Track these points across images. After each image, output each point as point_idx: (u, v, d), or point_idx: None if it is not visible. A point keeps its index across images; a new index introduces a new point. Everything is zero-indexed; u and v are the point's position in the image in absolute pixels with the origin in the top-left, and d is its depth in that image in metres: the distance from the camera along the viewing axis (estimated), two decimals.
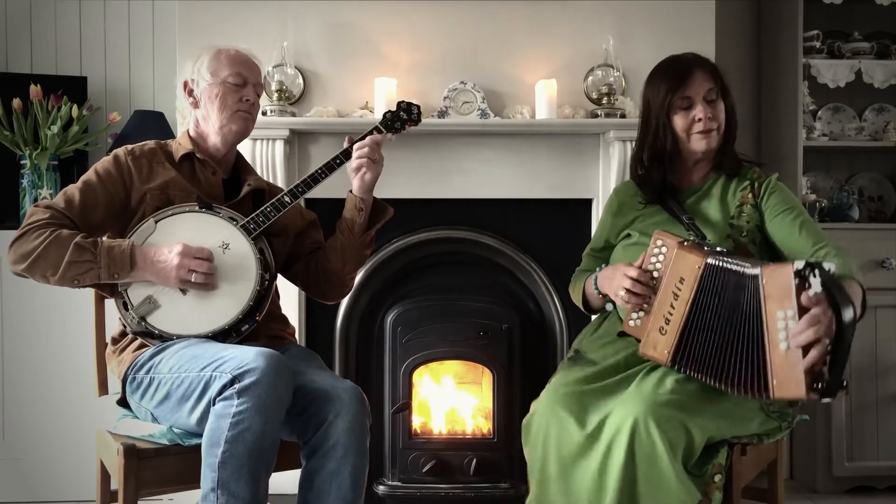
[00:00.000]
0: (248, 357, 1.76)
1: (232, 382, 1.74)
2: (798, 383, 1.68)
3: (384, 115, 2.23)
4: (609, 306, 2.16)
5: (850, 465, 3.11)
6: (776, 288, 1.71)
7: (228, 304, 1.95)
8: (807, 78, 3.32)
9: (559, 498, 1.88)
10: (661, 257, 1.93)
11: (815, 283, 1.68)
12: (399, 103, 2.24)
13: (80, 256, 1.86)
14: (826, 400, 1.70)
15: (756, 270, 1.75)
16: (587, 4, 3.02)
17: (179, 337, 1.93)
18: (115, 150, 2.08)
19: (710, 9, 3.03)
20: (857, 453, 3.12)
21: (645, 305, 1.94)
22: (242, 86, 2.08)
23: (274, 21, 2.94)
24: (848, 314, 1.68)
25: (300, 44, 2.95)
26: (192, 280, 1.91)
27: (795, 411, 2.03)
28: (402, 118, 2.23)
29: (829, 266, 1.70)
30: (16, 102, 2.97)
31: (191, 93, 2.12)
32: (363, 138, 2.11)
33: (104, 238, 1.94)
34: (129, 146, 2.09)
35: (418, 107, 2.26)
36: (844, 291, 1.69)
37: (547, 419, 1.92)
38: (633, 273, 1.94)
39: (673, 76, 2.06)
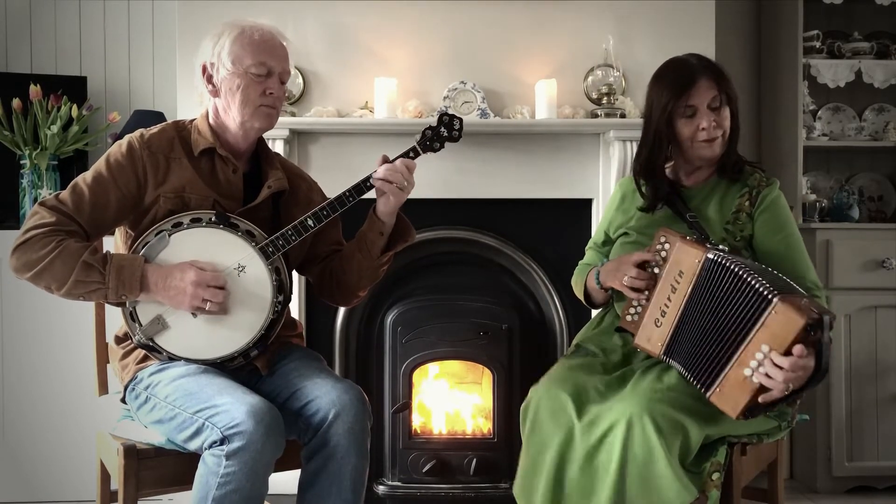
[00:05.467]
0: (238, 413, 1.71)
1: (222, 441, 1.71)
2: (735, 406, 1.75)
3: (423, 132, 2.03)
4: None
5: (850, 465, 3.11)
6: (780, 326, 1.70)
7: (240, 330, 1.88)
8: (807, 78, 3.33)
9: (548, 483, 1.87)
10: (663, 253, 1.93)
11: (814, 340, 1.69)
12: (441, 116, 2.04)
13: (88, 276, 1.78)
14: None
15: (772, 297, 1.71)
16: (587, 4, 3.02)
17: (187, 360, 1.88)
18: (129, 137, 1.93)
19: (710, 9, 3.03)
20: (857, 453, 3.12)
21: (643, 301, 1.95)
22: (267, 76, 1.93)
23: (274, 21, 2.90)
24: (821, 376, 1.72)
25: (300, 44, 2.94)
26: (206, 309, 1.84)
27: (795, 411, 2.03)
28: (442, 135, 2.03)
29: (829, 326, 1.70)
30: (16, 102, 2.96)
31: (210, 79, 1.95)
32: (397, 160, 1.96)
33: (114, 254, 1.84)
34: (146, 134, 1.94)
35: (461, 120, 2.04)
36: (829, 356, 1.72)
37: (543, 400, 1.93)
38: (639, 259, 1.95)
39: (677, 83, 2.01)
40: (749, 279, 1.75)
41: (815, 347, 1.70)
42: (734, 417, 1.76)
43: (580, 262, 2.31)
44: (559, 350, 3.04)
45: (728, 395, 1.76)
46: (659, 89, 2.05)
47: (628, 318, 1.98)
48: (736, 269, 1.78)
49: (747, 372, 1.73)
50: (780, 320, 1.69)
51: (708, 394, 1.79)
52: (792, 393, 1.72)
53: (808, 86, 3.33)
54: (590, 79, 3.01)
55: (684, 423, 1.79)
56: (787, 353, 1.68)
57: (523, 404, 1.99)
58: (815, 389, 3.04)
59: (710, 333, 1.81)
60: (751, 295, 1.75)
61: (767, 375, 1.70)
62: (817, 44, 3.34)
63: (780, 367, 1.68)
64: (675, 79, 2.03)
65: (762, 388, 1.72)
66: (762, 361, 1.71)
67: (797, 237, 2.04)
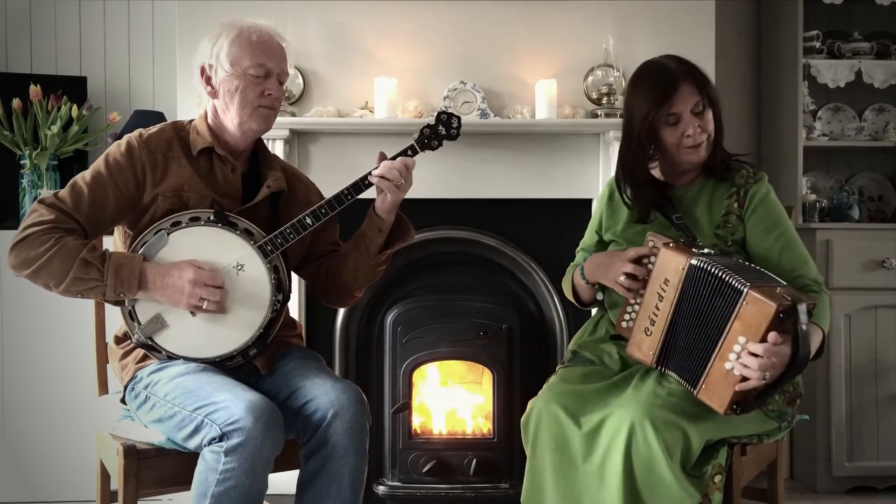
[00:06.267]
0: (238, 410, 1.71)
1: (221, 438, 1.71)
2: (722, 399, 1.76)
3: (422, 130, 2.02)
4: (600, 295, 2.13)
5: (850, 465, 3.11)
6: (752, 316, 1.71)
7: (239, 329, 1.88)
8: (807, 78, 3.32)
9: (553, 496, 1.88)
10: (652, 258, 1.92)
11: (789, 328, 1.71)
12: (439, 115, 2.03)
13: (86, 273, 1.78)
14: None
15: (743, 288, 1.72)
16: (587, 4, 3.02)
17: (186, 359, 1.88)
18: (128, 137, 1.93)
19: (710, 9, 3.03)
20: (857, 453, 3.12)
21: (637, 306, 1.94)
22: (265, 77, 1.94)
23: (274, 21, 2.87)
24: (800, 363, 1.72)
25: (300, 44, 2.95)
26: (203, 308, 1.84)
27: (794, 411, 2.03)
28: (440, 134, 2.02)
29: (806, 312, 1.71)
30: (16, 102, 2.96)
31: (208, 80, 1.95)
32: (395, 158, 1.96)
33: (112, 252, 1.85)
34: (144, 133, 1.94)
35: (458, 118, 2.03)
36: (808, 343, 1.73)
37: (543, 417, 1.92)
38: (632, 255, 1.92)
39: (658, 91, 1.94)
40: (725, 277, 1.76)
41: (791, 334, 1.71)
42: (722, 412, 1.76)
43: (571, 264, 2.28)
44: (559, 350, 3.04)
45: (713, 390, 1.77)
46: (638, 97, 1.98)
47: (623, 324, 1.97)
48: (721, 275, 1.77)
49: (728, 365, 1.74)
50: (752, 310, 1.71)
51: (695, 391, 1.80)
52: (775, 383, 1.73)
53: (808, 86, 3.33)
54: (590, 79, 3.01)
55: (685, 427, 1.79)
56: (763, 341, 1.70)
57: (524, 417, 1.98)
58: (814, 390, 3.07)
59: (695, 336, 1.82)
60: (726, 291, 1.76)
61: (745, 366, 1.71)
62: (817, 44, 3.34)
63: (755, 355, 1.69)
64: (656, 86, 1.95)
65: (744, 380, 1.72)
66: (740, 353, 1.72)
67: (791, 234, 2.00)
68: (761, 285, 1.74)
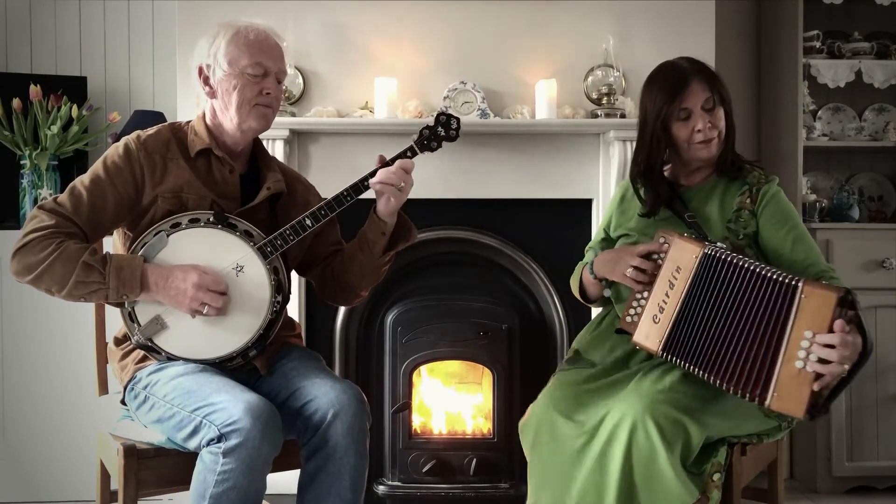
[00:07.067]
0: (236, 411, 1.71)
1: (219, 439, 1.71)
2: (800, 402, 1.68)
3: (421, 131, 2.03)
4: (607, 292, 2.14)
5: (850, 465, 3.11)
6: (815, 307, 1.68)
7: (238, 330, 1.89)
8: (807, 78, 3.33)
9: (557, 499, 1.88)
10: (661, 254, 1.94)
11: (848, 315, 1.68)
12: (438, 116, 2.04)
13: (88, 277, 1.79)
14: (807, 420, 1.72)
15: (798, 283, 1.70)
16: (587, 4, 3.02)
17: (186, 360, 1.89)
18: (125, 139, 1.94)
19: (710, 9, 3.03)
20: (857, 453, 3.12)
21: (643, 301, 1.94)
22: (263, 76, 1.94)
23: (274, 21, 2.88)
24: (869, 350, 1.70)
25: (300, 44, 2.95)
26: (204, 312, 1.84)
27: None
28: (440, 135, 2.03)
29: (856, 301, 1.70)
30: (16, 102, 2.96)
31: (206, 80, 1.96)
32: (395, 160, 1.96)
33: (113, 254, 1.85)
34: (142, 135, 1.94)
35: (458, 119, 2.05)
36: (868, 329, 1.70)
37: (541, 421, 1.94)
38: (641, 250, 1.95)
39: (669, 87, 2.02)
40: (762, 272, 1.76)
41: (855, 321, 1.68)
42: (802, 417, 1.68)
43: (579, 263, 2.31)
44: (559, 350, 3.04)
45: (788, 395, 1.69)
46: (652, 94, 2.05)
47: (628, 318, 1.98)
48: (740, 263, 1.79)
49: (799, 364, 1.68)
50: (814, 302, 1.68)
51: (767, 402, 1.72)
52: (849, 375, 1.69)
53: (808, 86, 3.33)
54: (590, 79, 3.01)
55: (686, 423, 1.79)
56: (829, 330, 1.66)
57: (522, 421, 2.00)
58: None
59: (735, 335, 1.78)
60: (772, 287, 1.74)
61: (821, 360, 1.66)
62: (817, 44, 3.34)
63: (832, 346, 1.65)
64: (668, 83, 2.03)
65: (819, 377, 1.67)
66: (810, 349, 1.67)
67: (802, 228, 2.05)
68: (806, 278, 1.73)
